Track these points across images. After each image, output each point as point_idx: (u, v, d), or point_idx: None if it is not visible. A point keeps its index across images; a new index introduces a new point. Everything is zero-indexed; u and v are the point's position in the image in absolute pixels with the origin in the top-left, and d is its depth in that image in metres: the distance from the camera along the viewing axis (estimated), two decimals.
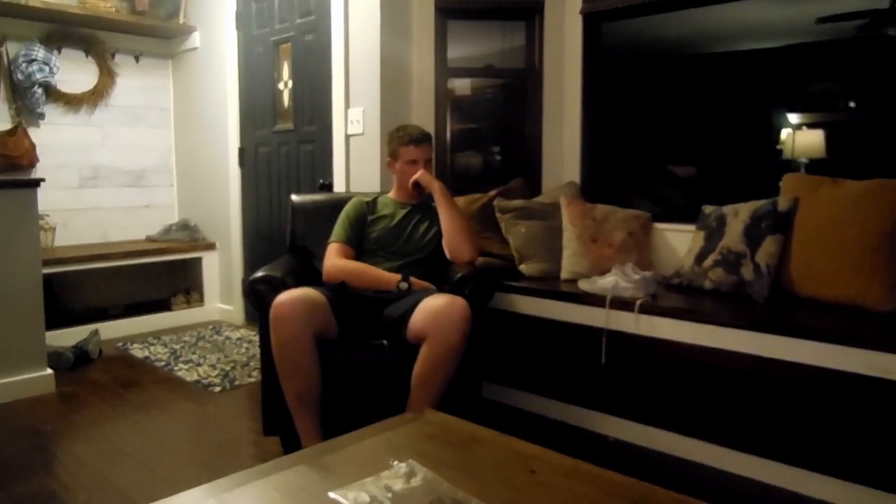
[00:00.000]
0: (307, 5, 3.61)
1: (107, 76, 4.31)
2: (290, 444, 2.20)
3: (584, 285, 2.56)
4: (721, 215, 2.54)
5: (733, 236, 2.43)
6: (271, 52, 3.87)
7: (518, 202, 2.99)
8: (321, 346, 2.09)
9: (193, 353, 3.64)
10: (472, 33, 3.46)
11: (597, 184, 3.21)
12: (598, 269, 2.69)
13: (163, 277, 4.48)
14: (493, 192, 3.09)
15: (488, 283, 2.40)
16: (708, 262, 2.47)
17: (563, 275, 2.79)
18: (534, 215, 2.94)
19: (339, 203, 2.63)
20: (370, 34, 3.20)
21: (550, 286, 2.68)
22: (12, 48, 3.92)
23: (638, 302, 2.34)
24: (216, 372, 3.28)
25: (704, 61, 4.41)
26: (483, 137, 3.66)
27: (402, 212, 2.56)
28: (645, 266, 2.69)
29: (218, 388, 3.07)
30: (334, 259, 2.44)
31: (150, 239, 4.46)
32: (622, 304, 2.38)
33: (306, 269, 2.56)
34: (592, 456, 1.31)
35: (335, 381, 2.13)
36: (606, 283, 2.48)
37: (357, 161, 3.36)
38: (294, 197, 2.85)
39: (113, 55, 4.34)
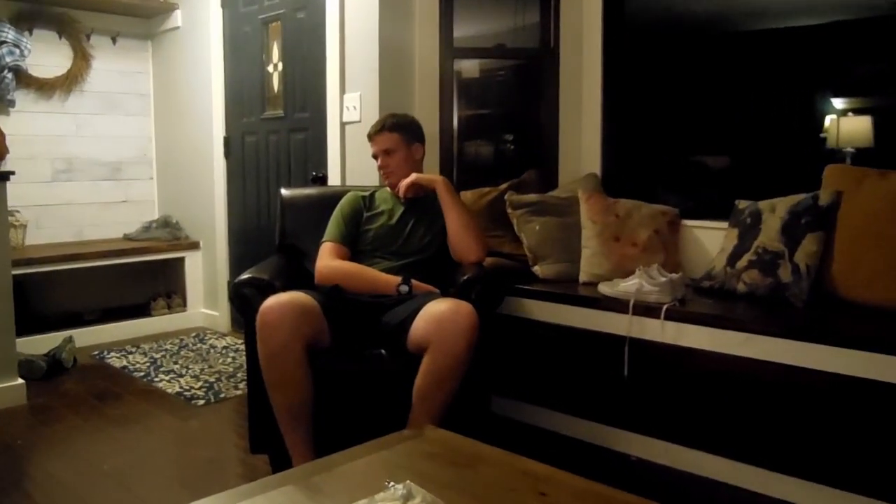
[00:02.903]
0: None
1: (81, 59, 4.34)
2: (280, 463, 2.21)
3: (604, 289, 2.56)
4: (756, 211, 2.53)
5: (769, 234, 2.42)
6: (259, 32, 3.89)
7: (532, 196, 2.99)
8: (313, 356, 2.09)
9: (175, 362, 3.66)
10: (480, 9, 3.46)
11: (620, 176, 3.21)
12: (621, 271, 2.68)
13: (142, 279, 4.51)
14: (504, 186, 3.09)
15: (497, 287, 2.40)
16: (742, 262, 2.47)
17: (582, 277, 2.79)
18: (549, 211, 2.94)
19: (334, 198, 2.63)
20: (368, 10, 3.21)
21: (567, 290, 2.68)
22: None
23: (664, 307, 2.34)
24: (200, 384, 3.30)
25: (739, 40, 4.38)
26: (494, 125, 3.66)
27: (402, 208, 2.56)
28: (672, 267, 2.68)
29: (202, 402, 3.08)
30: (328, 259, 2.45)
31: (127, 237, 4.49)
32: (647, 309, 2.38)
33: (297, 271, 2.57)
34: (613, 477, 1.31)
35: (328, 393, 2.13)
36: (629, 286, 2.48)
37: (353, 151, 3.37)
38: (284, 191, 2.86)
39: (88, 36, 4.37)
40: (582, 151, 3.30)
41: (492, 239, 2.90)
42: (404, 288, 2.33)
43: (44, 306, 4.14)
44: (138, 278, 4.49)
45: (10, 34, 3.98)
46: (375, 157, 2.60)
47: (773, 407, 2.12)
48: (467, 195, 3.06)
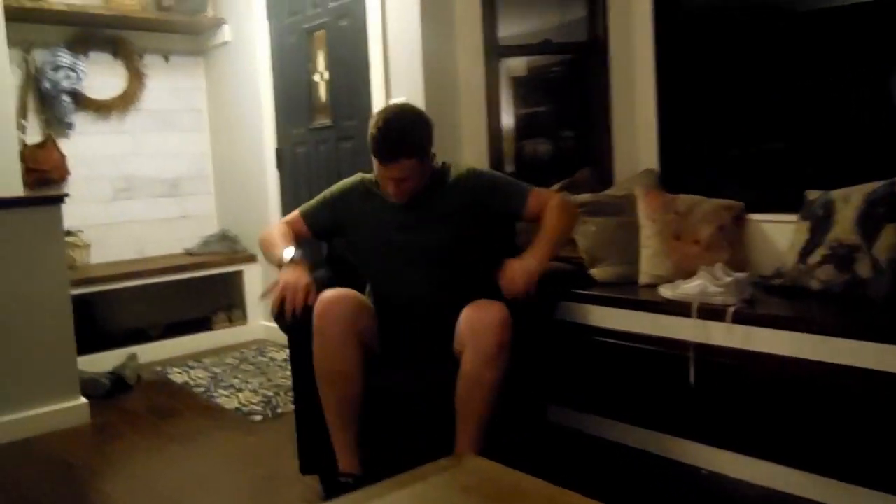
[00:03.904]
0: None
1: (136, 79, 4.41)
2: (330, 484, 2.16)
3: (665, 291, 2.42)
4: (828, 201, 2.35)
5: (844, 226, 2.24)
6: (304, 42, 3.87)
7: (586, 196, 2.87)
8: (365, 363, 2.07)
9: (235, 377, 3.67)
10: (525, 5, 3.36)
11: (679, 170, 3.04)
12: (684, 272, 2.53)
13: (203, 294, 4.55)
14: (556, 186, 2.98)
15: (547, 290, 2.27)
16: (814, 258, 2.29)
17: (642, 279, 2.66)
18: (605, 211, 2.81)
19: None
20: (409, 15, 3.14)
21: (626, 293, 2.56)
22: (38, 56, 4.05)
23: (730, 309, 2.19)
24: (258, 398, 3.29)
25: (808, 19, 4.11)
26: (544, 123, 3.55)
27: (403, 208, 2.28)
28: (739, 265, 2.52)
29: (259, 417, 3.07)
30: (276, 227, 2.42)
31: (188, 252, 4.54)
32: (712, 312, 2.23)
33: (345, 285, 2.51)
34: (684, 491, 1.19)
35: (376, 406, 2.09)
36: (692, 288, 2.33)
37: None
38: None
39: (141, 56, 4.44)
40: (637, 146, 3.15)
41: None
42: (288, 254, 2.21)
43: (109, 324, 4.22)
44: (199, 293, 4.53)
45: (66, 59, 4.07)
46: (387, 178, 2.22)
47: (854, 416, 1.96)
48: None
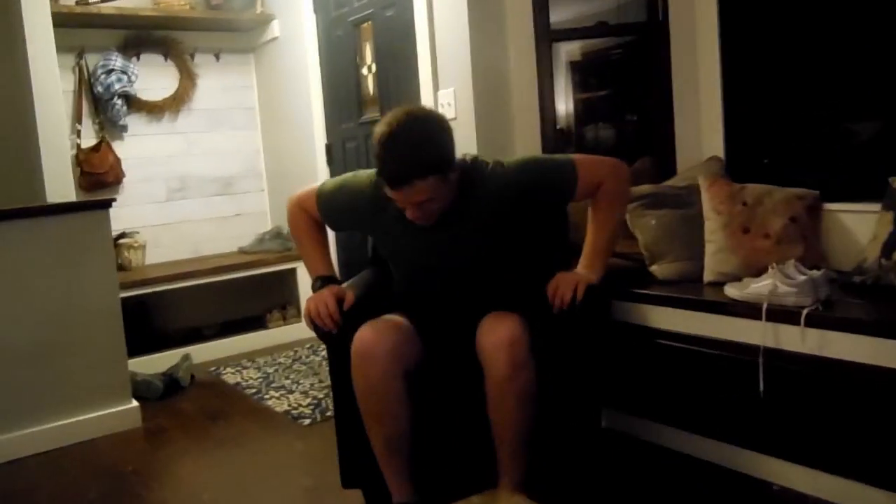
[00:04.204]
0: None
1: (187, 79, 4.42)
2: (374, 497, 2.07)
3: (732, 291, 2.23)
4: None
5: None
6: (351, 34, 3.78)
7: (645, 188, 2.69)
8: (409, 383, 1.93)
9: (287, 377, 3.63)
10: None
11: (747, 157, 2.82)
12: (753, 268, 2.33)
13: (258, 292, 4.53)
14: None
15: (603, 291, 2.11)
16: None
17: (707, 276, 2.46)
18: (666, 203, 2.63)
19: None
20: (456, 2, 3.01)
21: (688, 292, 2.38)
22: (90, 60, 4.09)
23: (804, 311, 1.99)
24: (308, 400, 3.23)
25: None
26: (601, 110, 3.38)
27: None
28: (814, 261, 2.31)
29: (308, 421, 3.00)
30: (299, 206, 2.19)
31: (242, 251, 4.53)
32: (784, 314, 2.04)
33: (387, 286, 2.40)
34: None
35: (425, 417, 1.99)
36: (761, 287, 2.13)
37: None
38: None
39: (192, 55, 4.43)
40: (701, 132, 2.94)
41: None
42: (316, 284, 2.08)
43: (165, 324, 4.25)
44: (254, 291, 4.51)
45: (118, 62, 4.09)
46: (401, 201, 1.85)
47: None
48: None
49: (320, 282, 2.10)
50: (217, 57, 4.53)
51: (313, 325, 2.01)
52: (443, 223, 1.93)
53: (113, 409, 3.06)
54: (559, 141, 3.15)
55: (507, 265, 2.06)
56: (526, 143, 3.03)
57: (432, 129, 1.83)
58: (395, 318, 2.02)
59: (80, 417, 2.98)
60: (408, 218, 1.89)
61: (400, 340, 1.93)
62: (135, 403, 3.15)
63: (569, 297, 1.91)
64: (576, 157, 2.03)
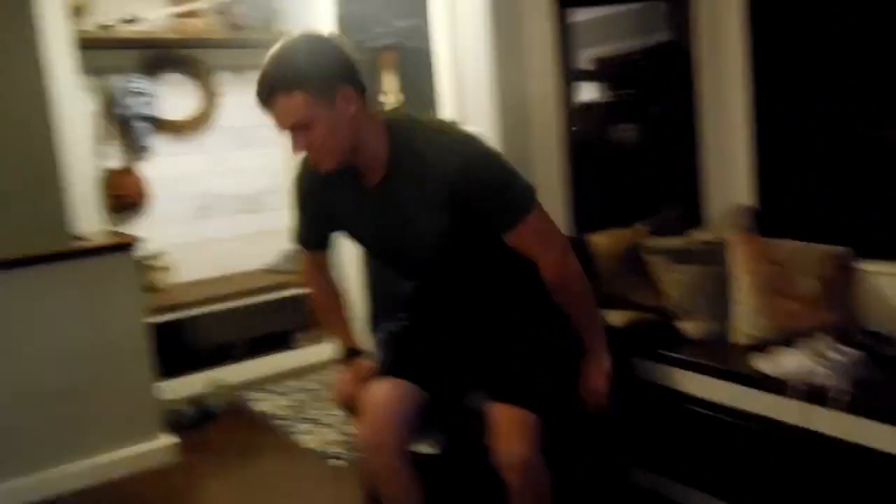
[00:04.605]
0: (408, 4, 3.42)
1: (210, 97, 4.39)
2: None
3: (762, 365, 2.19)
4: None
5: None
6: (372, 61, 3.74)
7: (675, 241, 2.65)
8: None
9: (315, 407, 3.65)
10: (598, 21, 3.13)
11: (778, 207, 2.74)
12: (786, 332, 2.30)
13: (285, 311, 4.53)
14: (642, 228, 2.76)
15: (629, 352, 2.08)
16: None
17: (735, 338, 2.43)
18: (695, 258, 2.58)
19: None
20: (476, 38, 2.97)
21: (716, 359, 2.34)
22: (112, 81, 4.06)
23: (837, 396, 1.95)
24: (336, 436, 3.26)
25: None
26: (627, 153, 3.33)
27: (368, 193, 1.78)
28: (847, 324, 2.26)
29: (337, 461, 3.03)
30: (307, 277, 2.09)
31: (267, 268, 4.54)
32: (815, 395, 2.00)
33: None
34: None
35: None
36: (790, 364, 2.10)
37: None
38: None
39: (214, 74, 4.40)
40: (730, 177, 2.86)
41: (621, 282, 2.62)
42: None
43: (192, 345, 4.28)
44: (282, 310, 4.52)
45: (140, 84, 4.08)
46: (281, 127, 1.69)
47: None
48: (602, 238, 2.77)
49: (346, 354, 2.10)
50: (239, 75, 4.49)
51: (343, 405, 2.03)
52: (384, 189, 1.72)
53: (142, 448, 3.11)
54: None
55: (480, 257, 1.84)
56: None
57: (316, 44, 1.64)
58: (389, 393, 1.88)
59: (109, 456, 3.02)
60: (310, 162, 1.74)
61: (398, 422, 1.86)
62: (166, 440, 3.18)
63: (606, 399, 1.88)
64: (532, 208, 1.71)
